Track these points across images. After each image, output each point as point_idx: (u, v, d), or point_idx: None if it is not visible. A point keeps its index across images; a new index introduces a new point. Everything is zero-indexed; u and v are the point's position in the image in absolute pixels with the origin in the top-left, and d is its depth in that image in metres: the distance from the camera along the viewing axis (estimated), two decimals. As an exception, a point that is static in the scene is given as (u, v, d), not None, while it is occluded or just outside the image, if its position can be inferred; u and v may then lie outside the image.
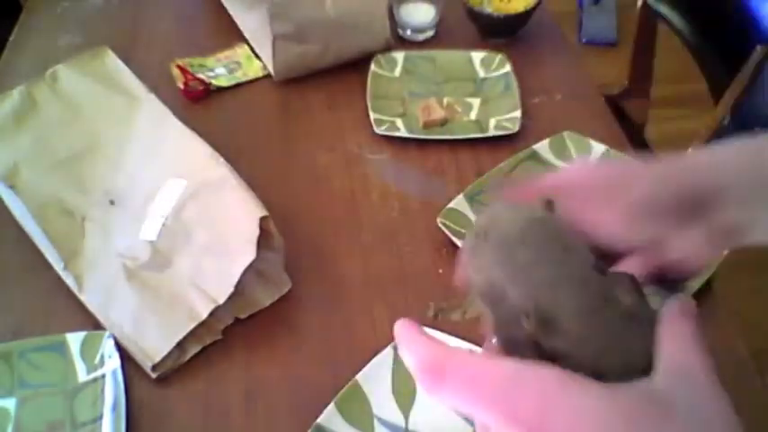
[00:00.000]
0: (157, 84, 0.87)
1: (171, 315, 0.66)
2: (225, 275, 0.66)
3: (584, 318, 0.28)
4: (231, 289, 0.65)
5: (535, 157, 0.83)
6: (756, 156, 0.36)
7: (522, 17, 1.00)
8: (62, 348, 0.65)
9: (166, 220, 0.72)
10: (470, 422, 0.60)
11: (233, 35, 1.03)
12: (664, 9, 1.44)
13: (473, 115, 0.91)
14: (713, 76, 1.21)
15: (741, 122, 1.10)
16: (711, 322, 0.67)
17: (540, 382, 0.26)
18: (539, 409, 0.25)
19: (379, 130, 0.86)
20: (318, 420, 0.59)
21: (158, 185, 0.74)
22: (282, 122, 0.91)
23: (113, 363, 0.64)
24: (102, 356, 0.65)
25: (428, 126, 0.88)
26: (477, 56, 0.98)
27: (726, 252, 0.59)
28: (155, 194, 0.74)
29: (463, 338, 0.63)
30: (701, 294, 0.67)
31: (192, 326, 0.64)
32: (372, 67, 0.95)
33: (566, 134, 0.85)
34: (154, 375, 0.64)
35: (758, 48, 1.04)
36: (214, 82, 0.95)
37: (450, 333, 0.64)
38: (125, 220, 0.74)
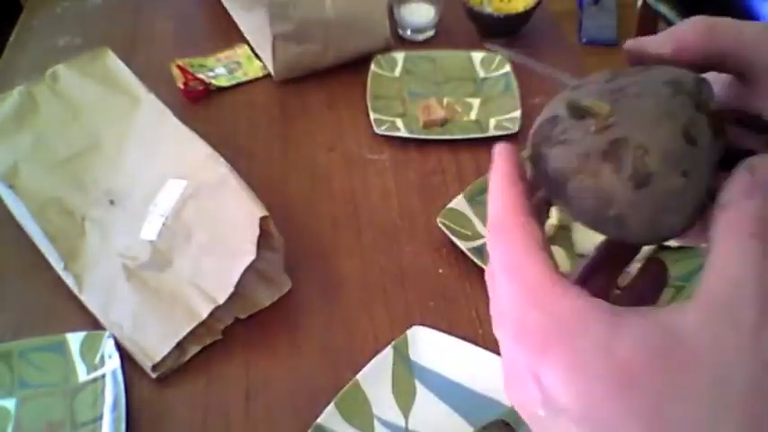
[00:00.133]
0: (157, 84, 0.87)
1: (171, 315, 0.66)
2: (225, 275, 0.66)
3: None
4: (231, 289, 0.65)
5: (535, 157, 0.82)
6: None
7: (522, 17, 1.00)
8: (62, 348, 0.65)
9: (166, 220, 0.72)
10: (470, 422, 0.60)
11: (233, 35, 1.03)
12: (664, 9, 1.44)
13: (473, 115, 0.91)
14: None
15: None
16: None
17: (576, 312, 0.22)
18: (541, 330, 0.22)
19: (379, 130, 0.87)
20: (318, 420, 0.59)
21: (158, 185, 0.74)
22: (282, 122, 0.91)
23: (113, 363, 0.64)
24: (102, 356, 0.65)
25: (428, 126, 0.88)
26: (477, 56, 0.97)
27: None
28: (155, 194, 0.74)
29: (463, 338, 0.64)
30: None
31: (192, 326, 0.64)
32: (372, 67, 0.95)
33: (566, 134, 0.84)
34: (154, 375, 0.64)
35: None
36: (214, 82, 0.95)
37: (449, 333, 0.64)
38: (125, 220, 0.74)
